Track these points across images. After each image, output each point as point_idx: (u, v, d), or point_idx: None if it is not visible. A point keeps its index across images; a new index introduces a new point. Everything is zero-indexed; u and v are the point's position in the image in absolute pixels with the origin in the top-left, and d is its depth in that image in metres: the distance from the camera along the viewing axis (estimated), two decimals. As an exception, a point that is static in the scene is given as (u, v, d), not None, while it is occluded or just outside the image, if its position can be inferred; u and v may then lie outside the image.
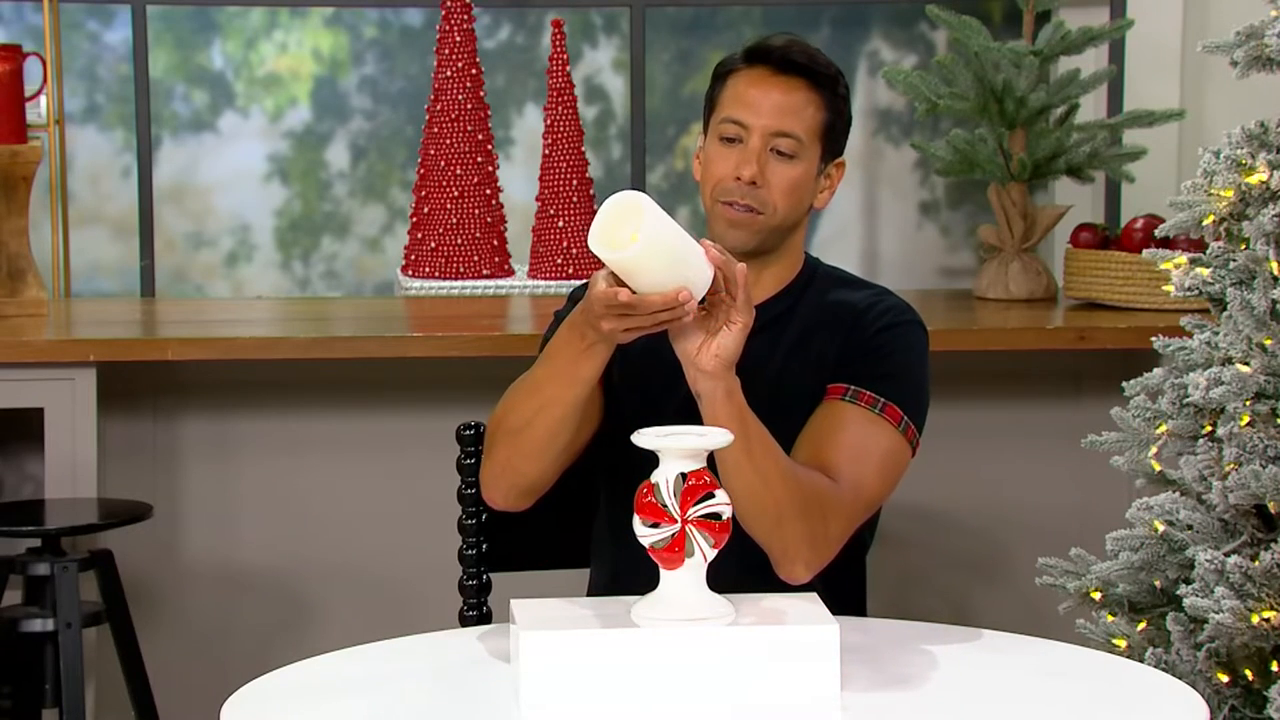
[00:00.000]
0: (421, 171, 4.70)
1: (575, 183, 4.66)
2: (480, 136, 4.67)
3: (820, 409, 2.74)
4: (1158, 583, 3.26)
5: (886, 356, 2.78)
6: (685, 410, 2.64)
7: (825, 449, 2.69)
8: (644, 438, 2.38)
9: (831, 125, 2.81)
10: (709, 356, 2.54)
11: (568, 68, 4.68)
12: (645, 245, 2.42)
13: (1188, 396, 3.17)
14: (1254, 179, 3.17)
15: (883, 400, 2.73)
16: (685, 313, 2.47)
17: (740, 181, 2.75)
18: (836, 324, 2.81)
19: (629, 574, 2.61)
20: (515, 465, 2.72)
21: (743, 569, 2.60)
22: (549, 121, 4.69)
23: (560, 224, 4.65)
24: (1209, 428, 3.19)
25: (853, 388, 2.74)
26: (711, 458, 2.43)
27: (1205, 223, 3.23)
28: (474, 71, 4.66)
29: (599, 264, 2.49)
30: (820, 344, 2.80)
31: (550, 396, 2.65)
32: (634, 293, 2.47)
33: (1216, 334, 3.20)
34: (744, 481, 2.58)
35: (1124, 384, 3.36)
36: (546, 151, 4.68)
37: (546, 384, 2.66)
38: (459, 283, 4.65)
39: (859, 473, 2.68)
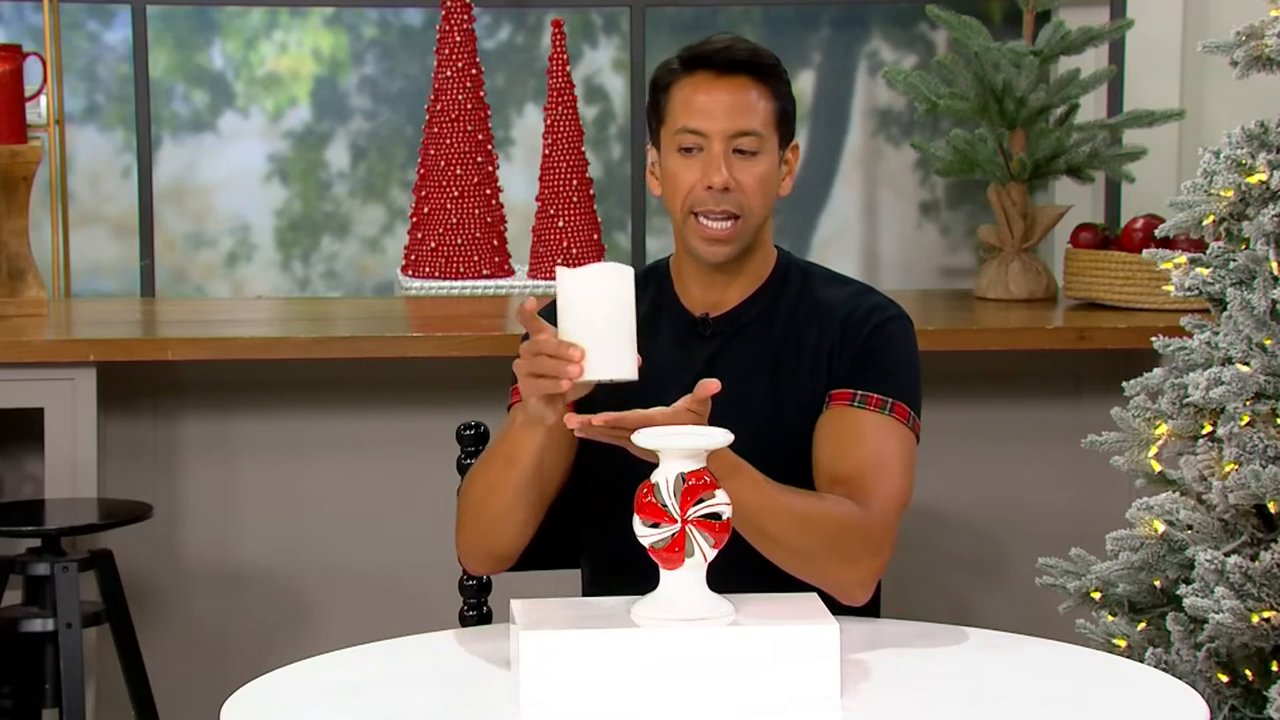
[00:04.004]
0: (421, 171, 4.70)
1: (575, 183, 4.66)
2: (480, 136, 4.67)
3: (830, 417, 2.75)
4: (1158, 583, 3.26)
5: (886, 355, 2.79)
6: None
7: (848, 461, 2.71)
8: (644, 437, 2.38)
9: (784, 112, 2.80)
10: None
11: (568, 68, 4.68)
12: (590, 278, 2.42)
13: (1188, 396, 3.17)
14: (1254, 179, 3.17)
15: (891, 400, 2.75)
16: (565, 372, 2.43)
17: (713, 190, 2.74)
18: (826, 321, 2.81)
19: (616, 572, 2.62)
20: (482, 538, 2.76)
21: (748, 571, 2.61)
22: (549, 121, 4.68)
23: (560, 224, 4.65)
24: (1209, 428, 3.19)
25: (859, 392, 2.75)
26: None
27: (1205, 223, 3.23)
28: (474, 71, 4.66)
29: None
30: (813, 340, 2.80)
31: (496, 477, 2.69)
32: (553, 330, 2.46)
33: (1216, 334, 3.20)
34: (763, 545, 2.61)
35: (1124, 384, 3.36)
36: (546, 151, 4.68)
37: (492, 462, 2.70)
38: (459, 283, 4.65)
39: (886, 481, 2.70)
